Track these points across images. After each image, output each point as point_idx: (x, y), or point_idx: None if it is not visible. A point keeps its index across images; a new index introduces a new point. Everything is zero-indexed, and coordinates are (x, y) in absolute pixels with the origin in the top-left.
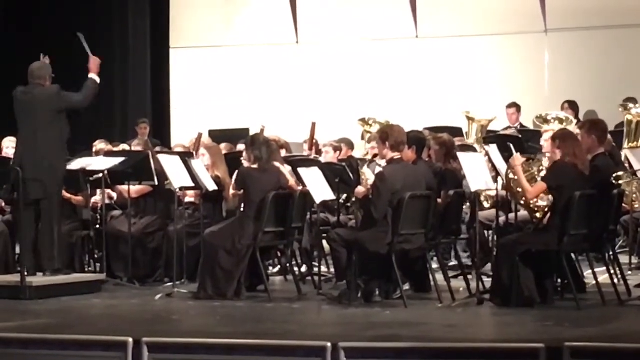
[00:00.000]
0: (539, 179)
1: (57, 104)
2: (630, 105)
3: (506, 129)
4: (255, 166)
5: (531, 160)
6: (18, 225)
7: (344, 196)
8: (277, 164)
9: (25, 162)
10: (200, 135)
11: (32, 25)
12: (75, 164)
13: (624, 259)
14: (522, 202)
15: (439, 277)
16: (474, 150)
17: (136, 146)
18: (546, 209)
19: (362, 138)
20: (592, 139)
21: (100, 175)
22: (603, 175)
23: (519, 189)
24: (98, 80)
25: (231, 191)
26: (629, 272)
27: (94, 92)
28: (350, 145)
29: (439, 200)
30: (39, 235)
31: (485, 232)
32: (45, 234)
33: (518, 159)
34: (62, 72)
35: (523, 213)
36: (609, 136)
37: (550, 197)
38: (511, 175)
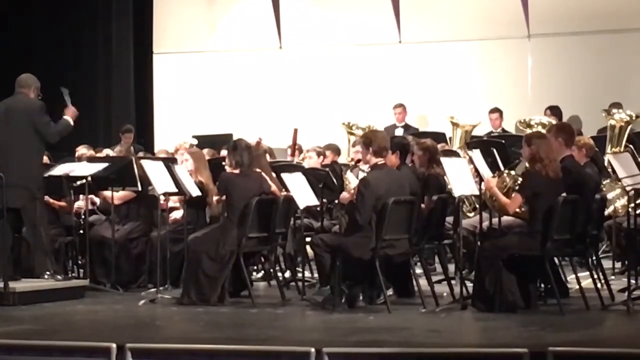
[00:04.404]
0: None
1: (33, 118)
2: (614, 110)
3: (489, 134)
4: (236, 171)
5: (503, 174)
6: None
7: (324, 200)
8: (259, 170)
9: (2, 169)
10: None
11: (16, 30)
12: (58, 170)
13: (607, 264)
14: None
15: (423, 282)
16: (457, 155)
17: (119, 152)
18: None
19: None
20: (559, 141)
21: (84, 181)
22: (573, 176)
23: (495, 204)
24: (72, 123)
25: (214, 197)
26: (612, 277)
27: (65, 132)
28: (337, 151)
29: (423, 206)
30: (30, 243)
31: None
32: (32, 240)
33: (489, 181)
34: (45, 79)
35: (506, 218)
36: (591, 141)
37: None
38: (489, 194)
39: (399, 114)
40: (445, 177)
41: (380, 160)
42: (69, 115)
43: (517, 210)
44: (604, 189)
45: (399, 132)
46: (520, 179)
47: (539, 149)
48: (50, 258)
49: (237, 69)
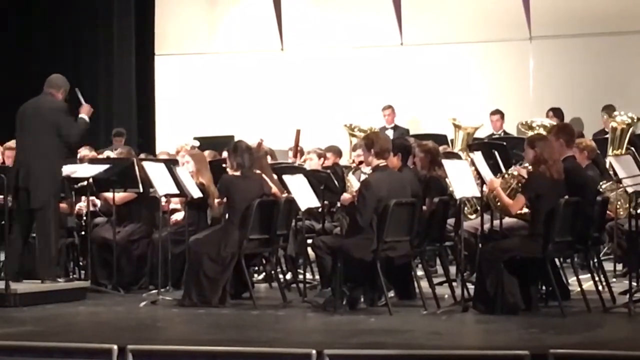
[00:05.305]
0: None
1: (58, 119)
2: (615, 112)
3: (490, 136)
4: (237, 173)
5: (506, 175)
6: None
7: (325, 202)
8: (259, 171)
9: (22, 170)
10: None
11: (16, 30)
12: None
13: (609, 266)
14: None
15: (424, 284)
16: (459, 157)
17: (119, 154)
18: None
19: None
20: (560, 142)
21: (85, 182)
22: (573, 177)
23: (499, 205)
24: (88, 120)
25: (215, 199)
26: (614, 279)
27: (85, 131)
28: (338, 153)
29: (424, 208)
30: (37, 245)
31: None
32: (40, 244)
33: (494, 181)
34: (42, 78)
35: (508, 220)
36: (593, 144)
37: None
38: (492, 194)
39: (388, 115)
40: (446, 179)
41: (381, 162)
42: (85, 113)
43: (520, 211)
44: (603, 191)
45: (389, 133)
46: (524, 180)
47: (542, 151)
48: (54, 265)
49: (239, 70)
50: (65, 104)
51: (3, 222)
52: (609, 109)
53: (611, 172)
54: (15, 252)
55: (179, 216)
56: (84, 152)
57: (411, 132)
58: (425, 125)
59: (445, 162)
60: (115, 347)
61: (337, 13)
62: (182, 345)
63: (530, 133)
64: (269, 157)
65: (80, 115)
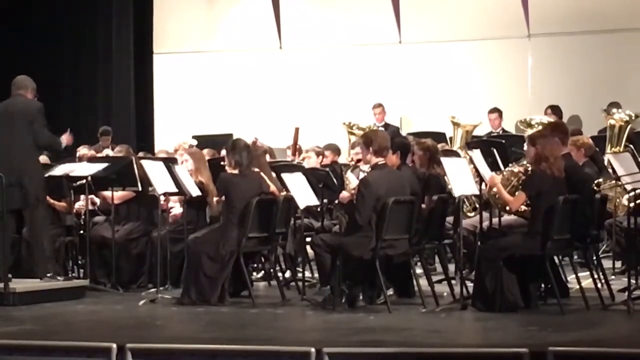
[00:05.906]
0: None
1: (32, 119)
2: (614, 110)
3: (489, 134)
4: (236, 171)
5: (505, 173)
6: None
7: (325, 200)
8: (257, 169)
9: (5, 171)
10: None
11: (16, 30)
12: (59, 170)
13: (608, 263)
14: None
15: (423, 282)
16: (458, 155)
17: (118, 153)
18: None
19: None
20: (556, 140)
21: (84, 181)
22: (569, 175)
23: (498, 202)
24: (62, 146)
25: (214, 198)
26: (613, 277)
27: (54, 147)
28: (337, 151)
29: (423, 206)
30: (31, 245)
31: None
32: (33, 242)
33: (494, 177)
34: (45, 79)
35: (507, 218)
36: (590, 141)
37: None
38: (494, 191)
39: (379, 114)
40: (445, 177)
41: (380, 160)
42: (65, 140)
43: (519, 208)
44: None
45: None
46: (525, 177)
47: (544, 148)
48: (51, 261)
49: (237, 69)
50: (39, 103)
51: None
52: (612, 107)
53: (610, 170)
54: (5, 253)
55: (177, 211)
56: (82, 150)
57: (411, 131)
58: (424, 123)
59: (444, 160)
60: (114, 345)
61: (336, 11)
62: (181, 343)
63: (529, 131)
64: (267, 156)
65: (61, 137)
